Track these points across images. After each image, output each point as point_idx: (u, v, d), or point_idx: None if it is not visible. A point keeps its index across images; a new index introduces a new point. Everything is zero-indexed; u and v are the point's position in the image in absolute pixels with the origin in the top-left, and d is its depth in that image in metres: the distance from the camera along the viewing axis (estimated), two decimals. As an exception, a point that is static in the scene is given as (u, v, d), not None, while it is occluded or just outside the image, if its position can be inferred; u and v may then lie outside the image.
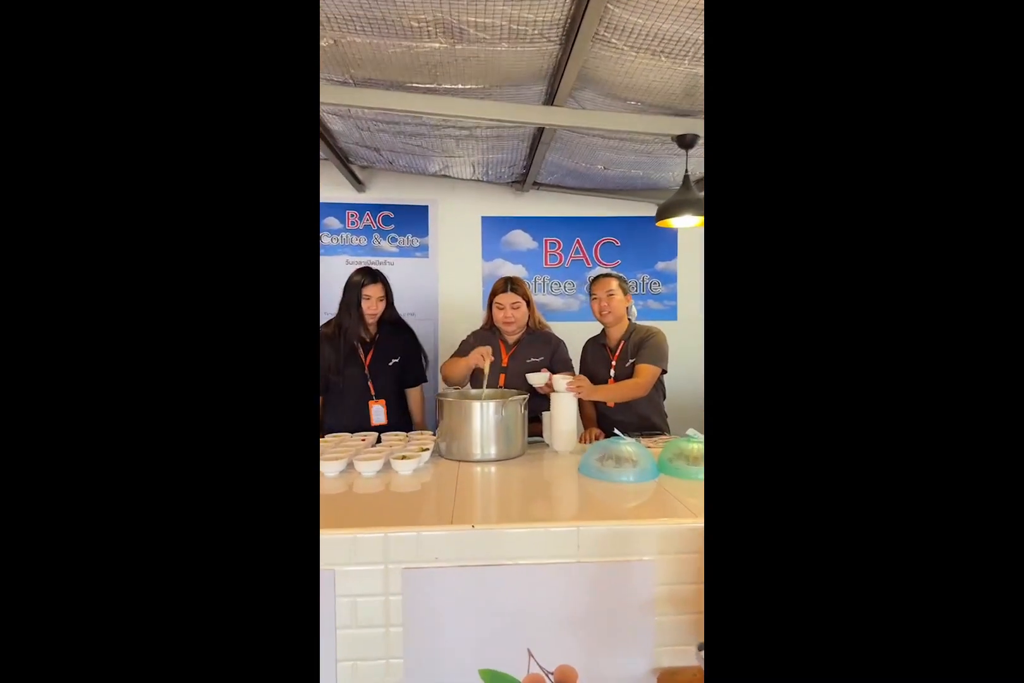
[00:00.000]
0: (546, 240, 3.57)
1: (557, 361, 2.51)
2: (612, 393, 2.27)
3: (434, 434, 2.05)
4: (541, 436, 2.24)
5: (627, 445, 1.66)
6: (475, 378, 2.24)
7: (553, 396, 2.06)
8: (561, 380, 2.12)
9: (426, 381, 2.49)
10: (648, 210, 3.23)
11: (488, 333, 2.56)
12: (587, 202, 3.55)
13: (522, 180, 3.27)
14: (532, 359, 2.45)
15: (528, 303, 2.47)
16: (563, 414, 2.03)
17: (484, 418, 1.90)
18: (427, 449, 1.87)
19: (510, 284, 2.45)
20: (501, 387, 2.35)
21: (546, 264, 3.57)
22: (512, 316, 2.40)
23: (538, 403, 2.28)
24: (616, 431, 1.77)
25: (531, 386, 2.22)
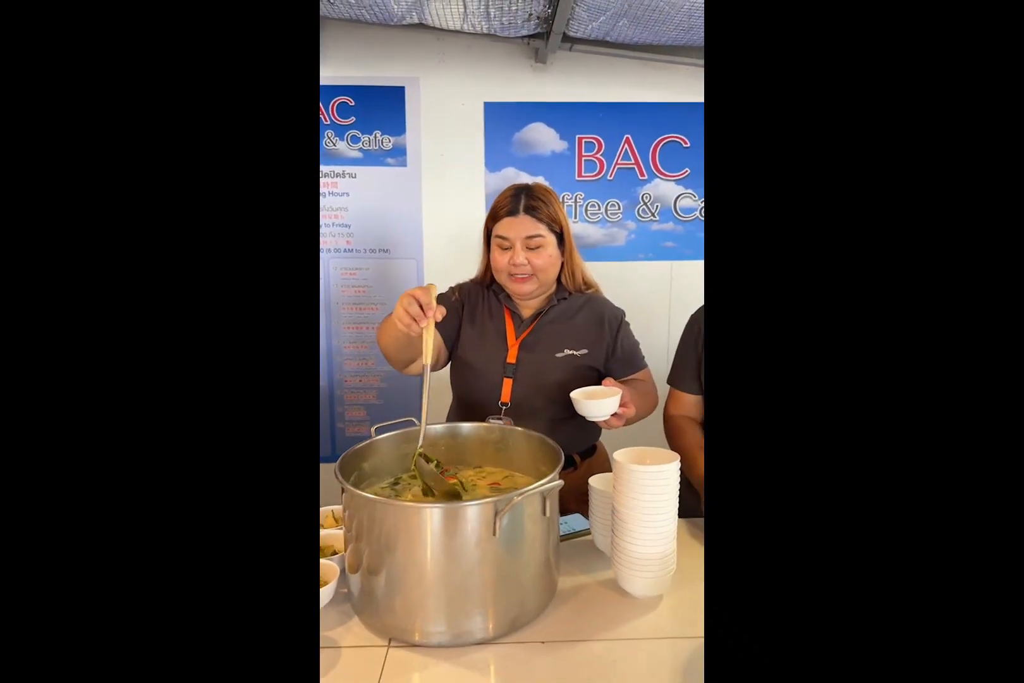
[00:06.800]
0: (580, 138, 2.40)
1: (621, 357, 1.50)
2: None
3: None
4: (583, 515, 1.27)
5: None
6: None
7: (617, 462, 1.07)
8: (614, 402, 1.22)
9: None
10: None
11: (483, 291, 1.53)
12: (648, 75, 2.33)
13: (545, 33, 2.07)
14: (569, 351, 1.43)
15: (560, 237, 1.41)
16: (637, 495, 1.01)
17: (443, 552, 0.90)
18: (328, 583, 0.99)
19: (525, 197, 1.37)
20: (500, 419, 1.36)
21: (579, 175, 2.42)
22: (527, 262, 1.37)
23: (579, 435, 1.40)
24: None
25: (582, 416, 1.23)
